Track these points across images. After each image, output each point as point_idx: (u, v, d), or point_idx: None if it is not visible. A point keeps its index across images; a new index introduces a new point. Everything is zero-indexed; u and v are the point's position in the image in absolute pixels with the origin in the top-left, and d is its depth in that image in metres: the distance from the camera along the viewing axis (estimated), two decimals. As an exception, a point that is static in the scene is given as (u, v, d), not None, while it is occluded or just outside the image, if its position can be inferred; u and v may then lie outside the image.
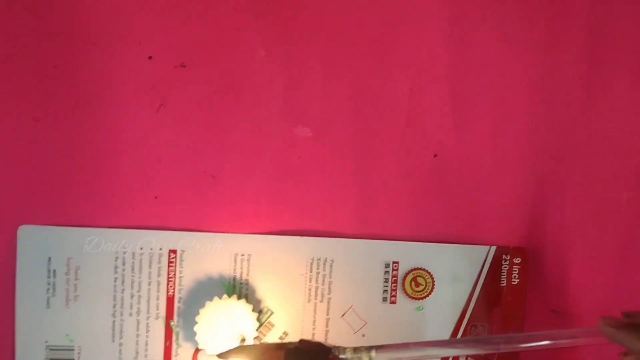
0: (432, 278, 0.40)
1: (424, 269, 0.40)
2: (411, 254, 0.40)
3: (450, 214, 0.40)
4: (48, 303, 0.38)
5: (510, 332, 0.40)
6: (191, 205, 0.39)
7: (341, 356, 0.35)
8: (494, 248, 0.41)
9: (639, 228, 0.41)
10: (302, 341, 0.37)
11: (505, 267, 0.41)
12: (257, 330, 0.38)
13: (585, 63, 0.40)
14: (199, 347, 0.37)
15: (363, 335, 0.40)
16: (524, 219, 0.41)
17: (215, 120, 0.39)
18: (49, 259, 0.38)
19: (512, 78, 0.40)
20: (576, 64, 0.40)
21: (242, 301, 0.38)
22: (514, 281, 0.41)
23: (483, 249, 0.40)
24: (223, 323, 0.37)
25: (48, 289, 0.38)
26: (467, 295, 0.41)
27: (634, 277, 0.41)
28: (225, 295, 0.38)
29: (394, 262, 0.40)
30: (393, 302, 0.40)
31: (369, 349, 0.35)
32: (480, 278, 0.41)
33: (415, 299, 0.40)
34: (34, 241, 0.38)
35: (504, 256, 0.41)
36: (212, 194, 0.39)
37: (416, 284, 0.40)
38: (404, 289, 0.40)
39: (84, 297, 0.38)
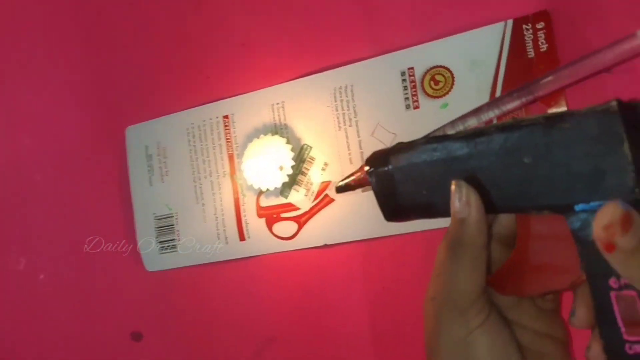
0: (450, 71, 0.39)
1: (439, 66, 0.39)
2: (423, 56, 0.40)
3: (452, 3, 0.39)
4: (150, 181, 0.48)
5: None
6: (230, 75, 0.46)
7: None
8: (510, 22, 0.38)
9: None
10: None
11: (528, 37, 0.37)
12: (301, 164, 0.42)
13: None
14: (248, 182, 0.43)
15: (395, 147, 0.40)
16: (537, -18, 0.37)
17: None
18: (146, 147, 0.49)
19: None
20: None
21: (276, 136, 0.42)
22: (542, 48, 0.37)
23: (498, 26, 0.38)
24: (263, 157, 0.42)
25: (149, 170, 0.49)
26: (491, 78, 0.38)
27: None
28: (262, 135, 0.43)
29: (409, 69, 0.40)
30: (416, 107, 0.40)
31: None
32: (502, 56, 0.38)
33: (437, 97, 0.39)
34: (136, 137, 0.49)
35: (524, 26, 0.37)
36: (243, 61, 0.46)
37: (435, 82, 0.39)
38: (424, 91, 0.40)
39: (172, 171, 0.48)
